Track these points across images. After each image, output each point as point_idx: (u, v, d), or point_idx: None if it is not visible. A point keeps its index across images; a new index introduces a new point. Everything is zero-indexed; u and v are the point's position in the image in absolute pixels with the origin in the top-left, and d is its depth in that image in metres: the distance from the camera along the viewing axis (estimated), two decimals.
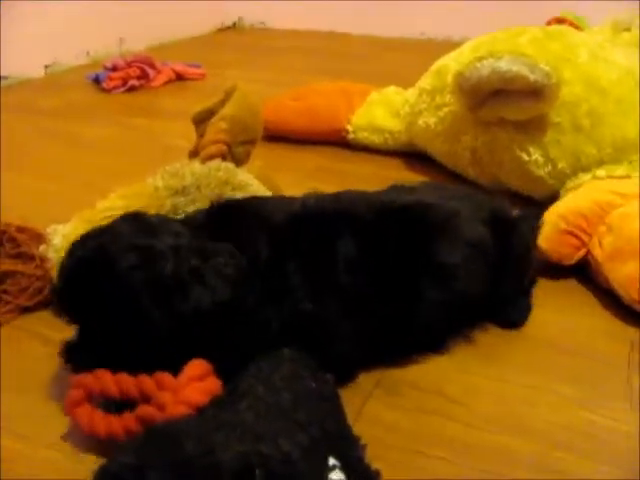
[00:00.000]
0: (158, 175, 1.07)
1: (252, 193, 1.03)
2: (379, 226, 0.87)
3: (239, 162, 1.11)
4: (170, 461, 0.60)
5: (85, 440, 0.81)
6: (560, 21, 2.22)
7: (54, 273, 1.00)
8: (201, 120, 1.12)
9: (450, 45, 1.66)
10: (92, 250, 0.79)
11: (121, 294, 0.77)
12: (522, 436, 0.81)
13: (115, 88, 2.25)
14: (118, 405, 0.79)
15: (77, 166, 1.65)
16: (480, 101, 1.35)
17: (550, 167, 1.33)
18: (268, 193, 1.07)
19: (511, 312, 1.00)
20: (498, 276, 0.94)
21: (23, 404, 0.88)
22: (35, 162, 1.69)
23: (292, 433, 0.63)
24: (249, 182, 1.05)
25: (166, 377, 0.77)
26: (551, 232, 1.12)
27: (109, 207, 1.02)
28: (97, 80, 2.30)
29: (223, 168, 1.05)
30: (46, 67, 2.51)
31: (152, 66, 2.31)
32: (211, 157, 1.07)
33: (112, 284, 0.77)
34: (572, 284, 1.13)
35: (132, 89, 2.27)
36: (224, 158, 1.09)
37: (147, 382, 0.77)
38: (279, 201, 0.93)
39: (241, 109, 1.10)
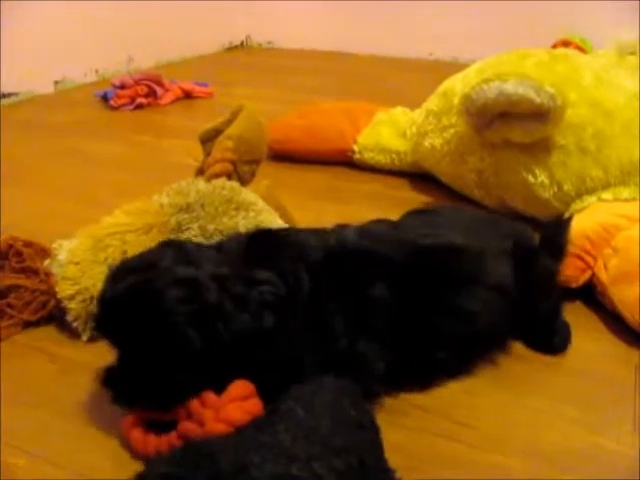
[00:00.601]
0: (164, 192, 1.07)
1: (256, 212, 1.04)
2: (410, 270, 0.89)
3: (244, 181, 1.12)
4: (204, 475, 0.60)
5: (92, 459, 0.81)
6: (566, 44, 2.23)
7: (58, 288, 1.01)
8: (208, 139, 1.12)
9: (457, 66, 1.67)
10: (136, 283, 0.80)
11: (166, 325, 0.77)
12: (527, 458, 0.81)
13: (123, 106, 2.27)
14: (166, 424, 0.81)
15: (84, 182, 1.66)
16: (486, 123, 1.35)
17: (556, 189, 1.33)
18: (273, 213, 1.07)
19: (553, 338, 1.01)
20: (525, 305, 0.96)
21: (33, 421, 0.88)
22: (42, 178, 1.70)
23: (327, 458, 0.63)
24: (253, 201, 1.05)
25: (210, 396, 0.79)
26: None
27: (114, 223, 1.02)
28: (105, 97, 2.32)
29: (227, 187, 1.06)
30: (55, 83, 2.53)
31: (160, 84, 2.32)
32: (216, 175, 1.08)
33: (157, 316, 0.78)
34: (578, 306, 1.12)
35: (140, 107, 2.28)
36: (229, 177, 1.10)
37: (193, 401, 0.79)
38: (314, 234, 0.92)
39: (247, 129, 1.10)
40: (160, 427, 0.81)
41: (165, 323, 0.77)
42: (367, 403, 0.75)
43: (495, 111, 1.31)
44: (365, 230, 0.95)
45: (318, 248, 0.88)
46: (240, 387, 0.79)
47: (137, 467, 0.78)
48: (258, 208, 1.04)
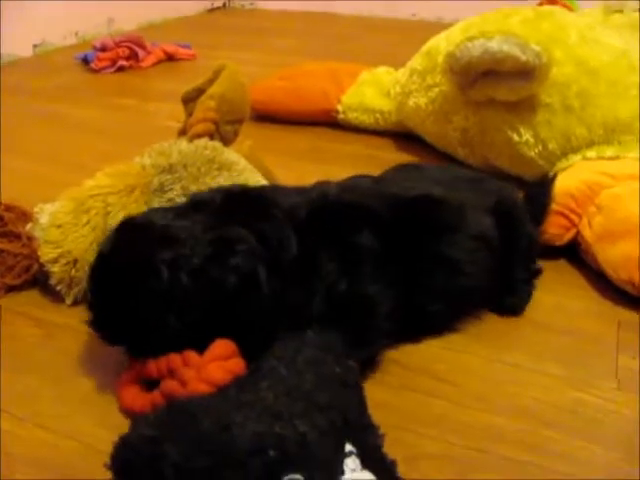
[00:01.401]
0: (145, 153, 1.06)
1: (238, 172, 1.03)
2: (393, 221, 0.89)
3: (227, 141, 1.11)
4: (186, 436, 0.60)
5: (81, 422, 0.81)
6: (552, 2, 2.21)
7: (40, 252, 1.00)
8: (190, 99, 1.11)
9: (441, 26, 1.65)
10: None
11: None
12: (510, 414, 0.81)
13: (104, 68, 2.24)
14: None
15: (67, 147, 1.64)
16: (471, 81, 1.35)
17: (540, 148, 1.32)
18: (256, 172, 1.07)
19: (512, 299, 1.00)
20: (503, 264, 0.96)
21: (20, 385, 0.88)
22: (24, 143, 1.67)
23: (310, 415, 0.62)
24: (235, 161, 1.04)
25: (192, 355, 0.78)
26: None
27: (96, 185, 1.01)
28: (86, 60, 2.28)
29: (210, 146, 1.04)
30: (35, 47, 2.49)
31: (142, 46, 2.29)
32: (198, 136, 1.07)
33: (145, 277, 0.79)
34: (561, 265, 1.12)
35: (121, 69, 2.26)
36: (212, 137, 1.08)
37: (175, 359, 0.79)
38: (295, 191, 0.92)
39: (229, 88, 1.09)
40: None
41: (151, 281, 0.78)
42: (350, 360, 0.74)
43: (479, 69, 1.30)
44: (346, 184, 0.95)
45: (303, 205, 0.87)
46: (222, 346, 0.79)
47: (123, 428, 0.78)
48: (240, 168, 1.03)
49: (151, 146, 1.07)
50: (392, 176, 1.03)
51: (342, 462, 0.60)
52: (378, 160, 1.52)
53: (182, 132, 1.11)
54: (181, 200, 0.99)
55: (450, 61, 1.34)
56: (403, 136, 1.65)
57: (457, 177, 1.04)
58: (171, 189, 1.00)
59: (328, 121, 1.72)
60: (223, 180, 1.00)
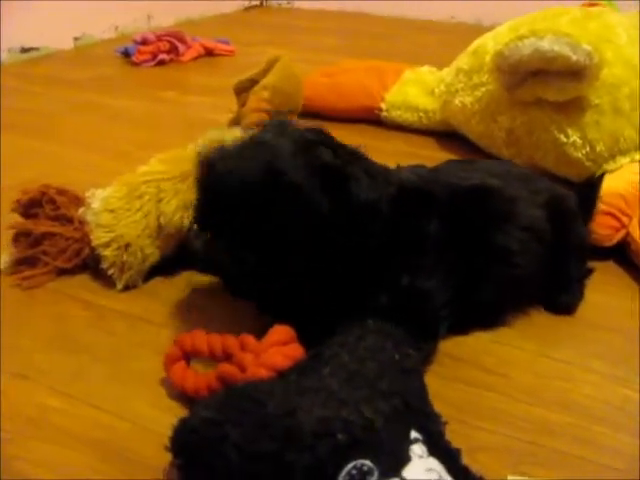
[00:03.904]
0: (199, 141, 1.06)
1: None
2: (453, 209, 0.89)
3: None
4: (250, 419, 0.60)
5: (132, 401, 0.82)
6: (593, 4, 2.19)
7: (92, 236, 1.01)
8: (243, 89, 1.12)
9: (480, 29, 1.64)
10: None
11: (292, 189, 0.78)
12: (561, 409, 0.81)
13: (145, 62, 2.25)
14: None
15: (109, 137, 1.66)
16: (519, 81, 1.34)
17: (588, 149, 1.32)
18: None
19: (565, 297, 1.00)
20: (556, 261, 0.96)
21: (70, 365, 0.89)
22: (68, 132, 1.69)
23: (375, 401, 0.62)
24: None
25: (250, 338, 0.79)
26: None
27: (149, 171, 1.02)
28: (126, 53, 2.30)
29: None
30: (75, 39, 2.51)
31: (182, 41, 2.31)
32: (253, 125, 1.07)
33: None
34: (610, 266, 1.12)
35: (161, 63, 2.27)
36: None
37: (231, 341, 0.79)
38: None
39: (283, 79, 1.10)
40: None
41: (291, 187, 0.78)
42: (410, 347, 0.75)
43: (529, 68, 1.30)
44: (413, 171, 0.96)
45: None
46: (280, 332, 0.79)
47: (176, 410, 0.80)
48: None
49: (204, 134, 1.08)
50: (446, 167, 1.03)
51: (408, 448, 0.60)
52: (421, 158, 1.48)
53: (234, 122, 1.11)
54: None
55: (499, 60, 1.33)
56: (445, 135, 1.65)
57: (510, 172, 1.04)
58: None
59: (370, 118, 1.72)
60: None
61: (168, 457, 0.66)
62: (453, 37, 2.68)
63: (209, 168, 0.83)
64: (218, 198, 0.80)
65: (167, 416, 0.77)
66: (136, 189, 1.01)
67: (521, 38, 1.29)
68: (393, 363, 0.69)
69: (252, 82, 1.10)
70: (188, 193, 1.00)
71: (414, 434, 0.61)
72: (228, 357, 0.79)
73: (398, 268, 0.84)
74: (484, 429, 0.77)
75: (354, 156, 0.84)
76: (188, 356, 0.82)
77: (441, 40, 2.61)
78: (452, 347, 0.90)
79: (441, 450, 0.62)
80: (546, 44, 1.26)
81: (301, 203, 0.77)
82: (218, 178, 0.81)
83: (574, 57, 1.24)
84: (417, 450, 0.60)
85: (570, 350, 0.92)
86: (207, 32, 2.60)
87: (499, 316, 0.96)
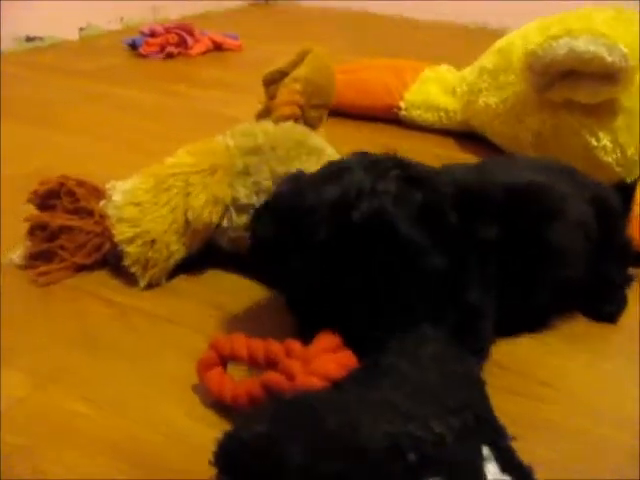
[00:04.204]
0: (227, 134, 1.01)
1: (327, 158, 0.98)
2: (507, 209, 0.86)
3: (311, 127, 1.07)
4: (310, 435, 0.55)
5: (163, 409, 0.77)
6: None
7: (115, 230, 0.96)
8: (272, 81, 1.07)
9: (486, 32, 1.61)
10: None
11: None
12: (618, 426, 0.77)
13: (152, 54, 2.21)
14: None
15: (119, 128, 1.61)
16: (549, 82, 1.30)
17: (619, 153, 1.28)
18: None
19: (608, 305, 0.96)
20: (598, 263, 0.93)
21: (94, 365, 0.84)
22: (76, 122, 1.64)
23: (443, 416, 0.57)
24: (324, 147, 1.00)
25: (295, 344, 0.73)
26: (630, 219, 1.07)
27: (178, 163, 0.97)
28: (133, 45, 2.25)
29: (299, 130, 1.00)
30: (80, 30, 2.45)
31: (191, 34, 2.26)
32: (284, 118, 1.02)
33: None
34: None
35: (169, 56, 2.22)
36: (296, 121, 1.04)
37: (274, 347, 0.73)
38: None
39: (315, 71, 1.05)
40: None
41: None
42: (470, 356, 0.70)
43: (562, 69, 1.26)
44: (467, 167, 0.94)
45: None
46: (329, 338, 0.73)
47: (211, 419, 0.75)
48: (329, 154, 0.99)
49: (233, 127, 1.03)
50: (490, 165, 0.99)
51: (482, 466, 0.55)
52: (443, 158, 1.46)
53: (263, 115, 1.07)
54: (268, 184, 0.95)
55: (531, 60, 1.29)
56: (465, 135, 1.61)
57: (552, 167, 1.00)
58: (258, 172, 0.96)
59: (388, 117, 1.68)
60: (312, 166, 0.95)
61: (204, 470, 0.60)
62: (459, 39, 2.66)
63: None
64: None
65: (201, 426, 0.74)
66: (163, 182, 0.96)
67: (555, 38, 1.25)
68: (457, 374, 0.65)
69: (282, 74, 1.06)
70: (217, 187, 0.95)
71: (485, 451, 0.57)
72: (270, 364, 0.73)
73: (459, 281, 0.79)
74: (542, 443, 0.73)
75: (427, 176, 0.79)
76: (225, 361, 0.76)
77: (447, 41, 2.58)
78: (502, 356, 0.85)
79: (514, 467, 0.57)
80: (582, 44, 1.22)
81: (406, 249, 0.73)
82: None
83: (609, 58, 1.20)
84: (491, 468, 0.56)
85: (622, 362, 0.88)
86: (213, 26, 2.55)
87: (548, 320, 0.92)
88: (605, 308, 0.95)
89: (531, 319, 0.90)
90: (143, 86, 1.95)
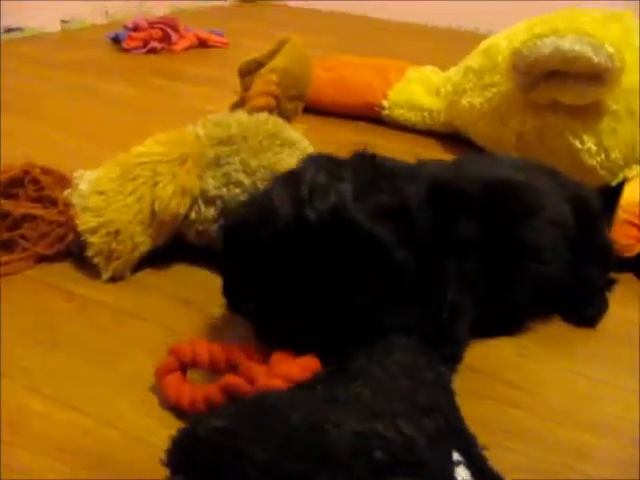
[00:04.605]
0: (199, 124, 0.98)
1: (301, 151, 0.95)
2: (485, 205, 0.83)
3: (286, 119, 1.03)
4: (272, 432, 0.51)
5: (118, 406, 0.73)
6: None
7: (79, 220, 0.92)
8: (247, 72, 1.04)
9: (477, 37, 1.58)
10: None
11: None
12: (594, 431, 0.74)
13: (135, 48, 2.16)
14: None
15: (98, 121, 1.57)
16: (534, 82, 1.27)
17: (603, 156, 1.26)
18: None
19: (588, 308, 0.94)
20: (578, 266, 0.90)
21: (51, 362, 0.80)
22: (54, 114, 1.60)
23: (414, 417, 0.54)
24: (298, 139, 0.97)
25: (257, 349, 0.71)
26: (613, 223, 1.04)
27: (146, 152, 0.94)
28: (117, 39, 2.21)
29: (272, 121, 0.97)
30: (63, 22, 2.41)
31: (175, 29, 2.22)
32: (258, 109, 0.99)
33: None
34: (628, 278, 1.05)
35: (153, 51, 2.17)
36: (271, 112, 1.01)
37: (236, 352, 0.70)
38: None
39: (292, 62, 1.02)
40: None
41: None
42: (440, 364, 0.67)
43: (547, 69, 1.23)
44: (444, 164, 0.92)
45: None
46: None
47: (166, 416, 0.71)
48: (303, 147, 0.96)
49: (205, 117, 0.99)
50: (467, 162, 0.96)
51: (453, 472, 0.52)
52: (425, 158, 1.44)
53: (237, 105, 1.03)
54: (238, 175, 0.91)
55: (516, 59, 1.27)
56: (448, 137, 1.58)
57: (532, 166, 0.99)
58: (228, 162, 0.93)
59: (370, 116, 1.64)
60: (285, 157, 0.92)
61: (161, 469, 0.57)
62: (448, 43, 2.63)
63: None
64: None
65: (160, 425, 0.70)
66: (130, 171, 0.92)
67: (540, 36, 1.23)
68: (427, 380, 0.62)
69: (258, 64, 1.03)
70: (185, 178, 0.91)
71: (456, 456, 0.54)
72: (233, 369, 0.70)
73: (434, 280, 0.75)
74: (514, 450, 0.70)
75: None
76: (185, 367, 0.73)
77: (436, 45, 2.55)
78: (474, 359, 0.82)
79: (485, 475, 0.54)
80: (567, 43, 1.20)
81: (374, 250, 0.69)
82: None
83: (595, 59, 1.18)
84: (462, 473, 0.52)
85: (599, 367, 0.85)
86: (199, 22, 2.51)
87: (524, 320, 0.90)
88: (585, 311, 0.93)
89: (508, 318, 0.87)
90: (124, 80, 1.91)
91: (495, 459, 0.65)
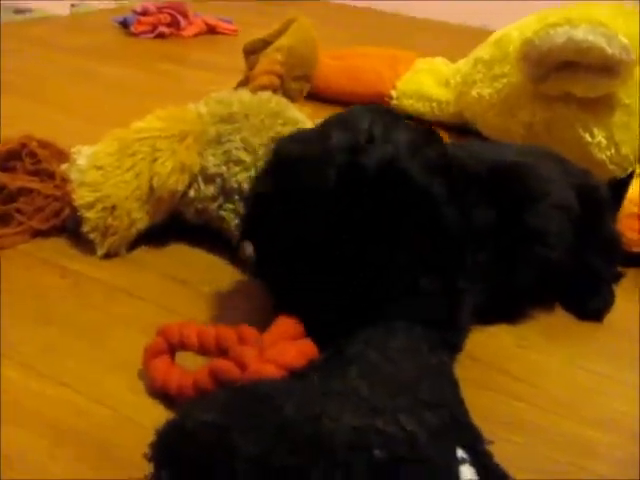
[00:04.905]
0: (201, 101, 0.96)
1: None
2: (491, 187, 0.81)
3: (291, 99, 1.01)
4: (264, 425, 0.48)
5: (108, 384, 0.71)
6: None
7: (75, 195, 0.90)
8: (253, 51, 1.02)
9: (486, 34, 1.55)
10: None
11: None
12: (598, 426, 0.72)
13: (143, 33, 2.14)
14: None
15: (104, 104, 1.55)
16: (545, 73, 1.25)
17: (613, 151, 1.23)
18: None
19: (593, 300, 0.91)
20: (584, 256, 0.89)
21: (42, 338, 0.78)
22: (60, 96, 1.58)
23: (416, 411, 0.51)
24: (302, 120, 0.95)
25: (250, 330, 0.67)
26: (619, 216, 1.02)
27: (145, 128, 0.92)
28: (125, 24, 2.19)
29: (275, 100, 0.95)
30: (72, 6, 2.39)
31: (184, 15, 2.20)
32: (262, 88, 0.97)
33: None
34: (636, 272, 1.02)
35: (161, 36, 2.15)
36: (275, 91, 0.99)
37: (227, 334, 0.66)
38: None
39: (299, 42, 1.00)
40: None
41: None
42: (444, 351, 0.64)
43: (559, 59, 1.20)
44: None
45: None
46: (288, 324, 0.68)
47: (158, 396, 0.69)
48: (307, 127, 0.93)
49: (208, 94, 0.97)
50: (471, 146, 0.94)
51: (458, 471, 0.49)
52: None
53: (241, 84, 1.01)
54: (239, 153, 0.89)
55: (528, 48, 1.24)
56: (456, 128, 1.55)
57: (539, 152, 0.97)
58: (229, 140, 0.91)
59: None
60: None
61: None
62: (458, 39, 2.60)
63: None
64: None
65: (151, 405, 0.69)
66: (129, 146, 0.91)
67: (553, 26, 1.20)
68: (431, 368, 0.59)
69: (264, 43, 1.01)
70: (185, 154, 0.89)
71: (460, 453, 0.51)
72: (223, 352, 0.66)
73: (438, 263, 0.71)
74: (514, 443, 0.68)
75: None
76: (174, 349, 0.70)
77: (447, 41, 2.52)
78: (474, 348, 0.79)
79: (492, 474, 0.51)
80: (580, 33, 1.16)
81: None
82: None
83: (609, 50, 1.15)
84: (466, 473, 0.49)
85: (604, 361, 0.83)
86: (208, 10, 2.49)
87: (527, 307, 0.88)
88: (590, 303, 0.90)
89: (510, 304, 0.85)
90: (131, 64, 1.89)
91: (495, 452, 0.63)
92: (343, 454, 0.46)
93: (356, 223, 0.66)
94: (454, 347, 0.75)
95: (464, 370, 0.75)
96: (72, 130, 1.35)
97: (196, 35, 2.23)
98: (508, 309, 0.85)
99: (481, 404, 0.71)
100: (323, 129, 0.72)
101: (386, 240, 0.66)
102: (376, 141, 0.67)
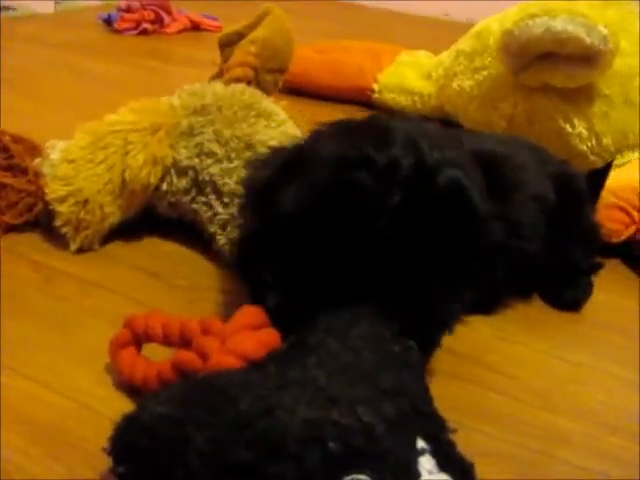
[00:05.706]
0: (175, 94, 0.95)
1: (278, 123, 0.92)
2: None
3: (265, 92, 1.00)
4: (218, 418, 0.48)
5: (77, 379, 0.70)
6: None
7: (47, 189, 0.90)
8: (228, 43, 1.01)
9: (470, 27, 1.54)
10: None
11: None
12: (573, 416, 0.72)
13: (127, 30, 2.13)
14: None
15: (87, 99, 1.54)
16: (526, 64, 1.24)
17: (594, 142, 1.23)
18: (296, 128, 0.96)
19: (573, 293, 0.91)
20: (561, 247, 0.88)
21: (11, 331, 0.77)
22: (40, 90, 1.58)
23: (375, 401, 0.50)
24: (276, 111, 0.94)
25: (213, 321, 0.66)
26: (599, 206, 1.01)
27: (117, 120, 0.91)
28: (109, 21, 2.17)
29: (248, 92, 0.94)
30: (56, 3, 2.38)
31: (168, 12, 2.19)
32: (236, 80, 0.96)
33: None
34: (615, 263, 1.03)
35: (144, 33, 2.14)
36: (249, 84, 0.98)
37: (191, 325, 0.66)
38: None
39: (274, 33, 0.99)
40: None
41: None
42: (409, 339, 0.62)
43: (538, 50, 1.20)
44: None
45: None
46: (251, 314, 0.67)
47: (125, 389, 0.68)
48: (280, 119, 0.93)
49: (181, 87, 0.97)
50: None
51: (416, 461, 0.48)
52: None
53: (216, 77, 1.00)
54: (211, 145, 0.88)
55: (507, 39, 1.23)
56: (438, 121, 1.54)
57: (517, 141, 0.98)
58: (202, 132, 0.90)
59: (360, 99, 1.61)
60: (260, 129, 0.89)
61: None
62: (442, 32, 2.60)
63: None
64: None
65: (118, 398, 0.68)
66: (101, 139, 0.90)
67: (532, 17, 1.19)
68: (393, 356, 0.58)
69: (239, 35, 1.00)
70: (157, 147, 0.89)
71: (421, 443, 0.50)
72: (187, 343, 0.66)
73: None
74: (488, 434, 0.67)
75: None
76: (140, 341, 0.69)
77: (432, 36, 2.52)
78: (452, 341, 0.77)
79: (453, 463, 0.50)
80: (559, 24, 1.16)
81: None
82: None
83: (588, 40, 1.14)
84: (425, 464, 0.49)
85: (582, 352, 0.83)
86: (193, 7, 2.48)
87: (503, 298, 0.87)
88: (568, 294, 0.90)
89: (489, 296, 0.84)
90: (115, 60, 1.88)
91: (469, 442, 0.61)
92: (296, 447, 0.45)
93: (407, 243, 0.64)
94: (432, 344, 0.72)
95: (440, 362, 0.75)
96: (48, 121, 1.35)
97: (180, 32, 2.22)
98: (486, 301, 0.84)
99: (453, 394, 0.71)
100: (365, 141, 0.67)
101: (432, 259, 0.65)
102: (443, 163, 0.66)
